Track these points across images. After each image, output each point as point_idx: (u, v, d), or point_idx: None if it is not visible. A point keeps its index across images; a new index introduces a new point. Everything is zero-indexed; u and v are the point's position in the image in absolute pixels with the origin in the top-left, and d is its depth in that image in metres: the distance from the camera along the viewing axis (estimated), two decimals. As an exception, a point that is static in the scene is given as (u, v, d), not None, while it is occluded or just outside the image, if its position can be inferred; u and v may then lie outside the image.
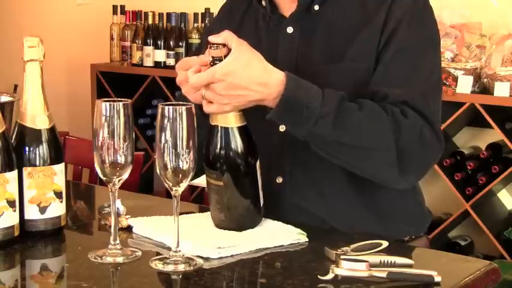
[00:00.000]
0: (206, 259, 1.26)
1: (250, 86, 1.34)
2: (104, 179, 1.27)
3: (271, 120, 1.39)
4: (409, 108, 1.44)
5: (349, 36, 1.51)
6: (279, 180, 1.56)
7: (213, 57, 1.34)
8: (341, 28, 1.53)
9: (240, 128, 1.37)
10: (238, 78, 1.33)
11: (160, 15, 3.64)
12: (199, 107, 1.37)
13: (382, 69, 1.48)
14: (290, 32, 1.57)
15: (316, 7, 1.55)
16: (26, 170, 1.35)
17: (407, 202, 1.61)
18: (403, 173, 1.44)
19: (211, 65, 1.34)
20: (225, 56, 1.33)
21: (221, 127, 1.37)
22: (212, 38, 1.35)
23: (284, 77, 1.36)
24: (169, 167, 1.22)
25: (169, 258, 1.24)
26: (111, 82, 3.79)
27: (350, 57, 1.50)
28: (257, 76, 1.34)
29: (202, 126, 1.30)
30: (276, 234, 1.38)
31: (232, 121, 1.37)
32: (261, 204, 1.43)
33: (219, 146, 1.37)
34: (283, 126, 1.53)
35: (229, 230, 1.39)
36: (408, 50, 1.48)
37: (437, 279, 1.17)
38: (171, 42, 3.59)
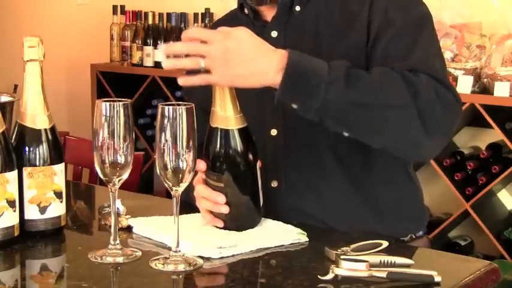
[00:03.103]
0: (207, 259, 1.26)
1: (253, 53, 1.30)
2: (104, 179, 1.27)
3: (279, 101, 1.34)
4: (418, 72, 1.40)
5: (335, 34, 1.50)
6: (274, 184, 1.56)
7: None
8: (326, 28, 1.52)
9: (240, 130, 1.37)
10: (241, 44, 1.29)
11: (160, 15, 3.64)
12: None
13: (381, 51, 1.45)
14: (274, 36, 1.55)
15: (298, 8, 1.55)
16: (26, 170, 1.35)
17: (405, 198, 1.60)
18: (428, 133, 1.37)
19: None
20: None
21: (221, 129, 1.36)
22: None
23: (286, 51, 1.33)
24: (169, 167, 1.22)
25: (169, 258, 1.24)
26: (111, 82, 3.79)
27: (339, 54, 1.47)
28: (260, 45, 1.31)
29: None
30: (276, 234, 1.38)
31: (232, 123, 1.36)
32: (261, 204, 1.43)
33: (219, 149, 1.37)
34: (275, 130, 1.53)
35: (229, 230, 1.39)
36: (404, 31, 1.46)
37: (437, 279, 1.17)
38: (171, 42, 3.58)
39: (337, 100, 1.33)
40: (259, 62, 1.31)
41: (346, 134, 1.39)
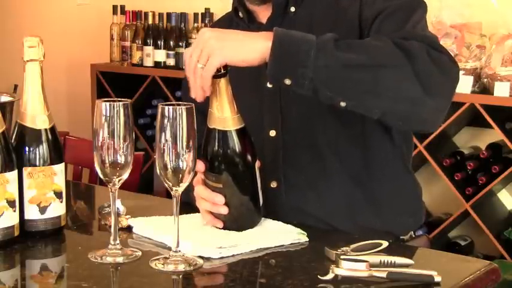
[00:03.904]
0: (207, 259, 1.26)
1: (237, 31, 1.38)
2: (104, 179, 1.27)
3: (271, 75, 1.32)
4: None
5: (329, 32, 1.50)
6: (274, 185, 1.56)
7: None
8: (319, 27, 1.51)
9: (237, 131, 1.36)
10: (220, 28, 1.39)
11: (160, 15, 3.64)
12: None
13: (374, 30, 1.46)
14: None
15: (293, 9, 1.56)
16: (26, 170, 1.35)
17: (404, 192, 1.60)
18: (428, 94, 1.34)
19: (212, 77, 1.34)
20: (224, 68, 1.32)
21: (219, 130, 1.36)
22: None
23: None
24: (169, 167, 1.22)
25: (169, 258, 1.24)
26: (111, 82, 3.79)
27: None
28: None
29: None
30: (276, 234, 1.38)
31: (230, 124, 1.36)
32: (261, 204, 1.43)
33: (217, 150, 1.36)
34: (274, 130, 1.53)
35: (229, 230, 1.39)
36: (396, 11, 1.46)
37: (437, 279, 1.17)
38: (171, 42, 3.58)
39: (329, 64, 1.30)
40: (245, 34, 1.36)
41: (343, 104, 1.34)
